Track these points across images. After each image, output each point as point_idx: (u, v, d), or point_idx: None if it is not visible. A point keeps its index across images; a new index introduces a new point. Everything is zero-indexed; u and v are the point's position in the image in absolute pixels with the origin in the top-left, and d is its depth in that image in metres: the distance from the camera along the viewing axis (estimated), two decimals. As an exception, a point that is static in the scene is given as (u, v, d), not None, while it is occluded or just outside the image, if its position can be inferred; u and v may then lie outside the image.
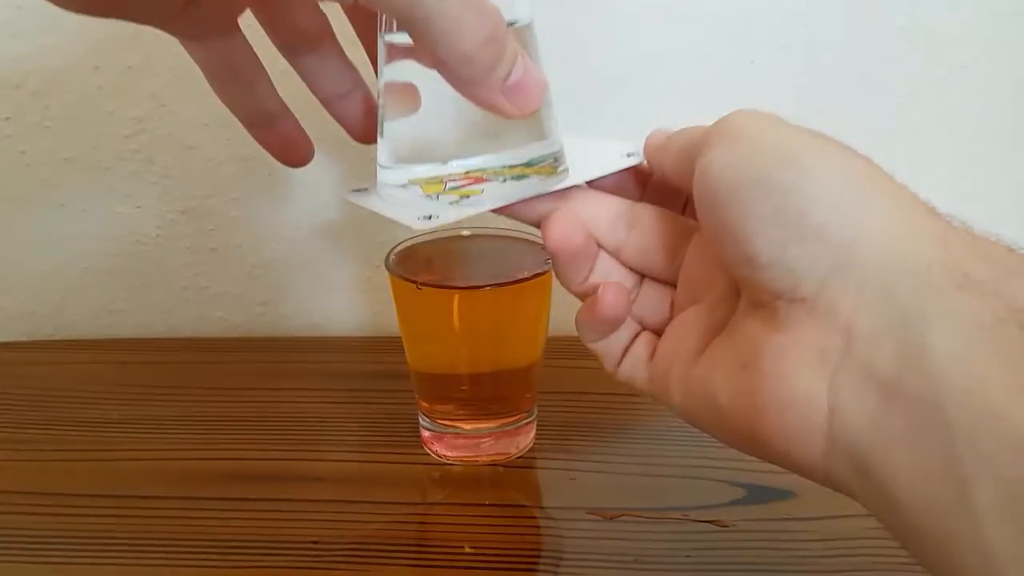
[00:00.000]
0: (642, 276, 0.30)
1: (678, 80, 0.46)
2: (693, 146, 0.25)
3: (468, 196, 0.28)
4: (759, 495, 0.33)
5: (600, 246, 0.29)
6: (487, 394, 0.36)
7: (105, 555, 0.31)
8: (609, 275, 0.29)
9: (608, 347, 0.29)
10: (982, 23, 0.45)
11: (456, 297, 0.33)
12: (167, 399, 0.42)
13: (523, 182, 0.29)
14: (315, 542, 0.32)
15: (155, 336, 0.52)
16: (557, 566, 0.30)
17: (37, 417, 0.41)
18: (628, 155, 0.31)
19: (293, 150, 0.32)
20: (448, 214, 0.28)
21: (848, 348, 0.20)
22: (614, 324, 0.29)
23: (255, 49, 0.30)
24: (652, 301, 0.29)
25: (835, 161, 0.23)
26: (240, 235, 0.50)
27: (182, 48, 0.46)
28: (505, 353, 0.35)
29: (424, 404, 0.37)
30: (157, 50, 0.44)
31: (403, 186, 0.30)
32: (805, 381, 0.21)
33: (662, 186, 0.30)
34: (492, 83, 0.24)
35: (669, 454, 0.36)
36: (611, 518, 0.33)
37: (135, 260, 0.50)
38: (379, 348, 0.48)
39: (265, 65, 0.31)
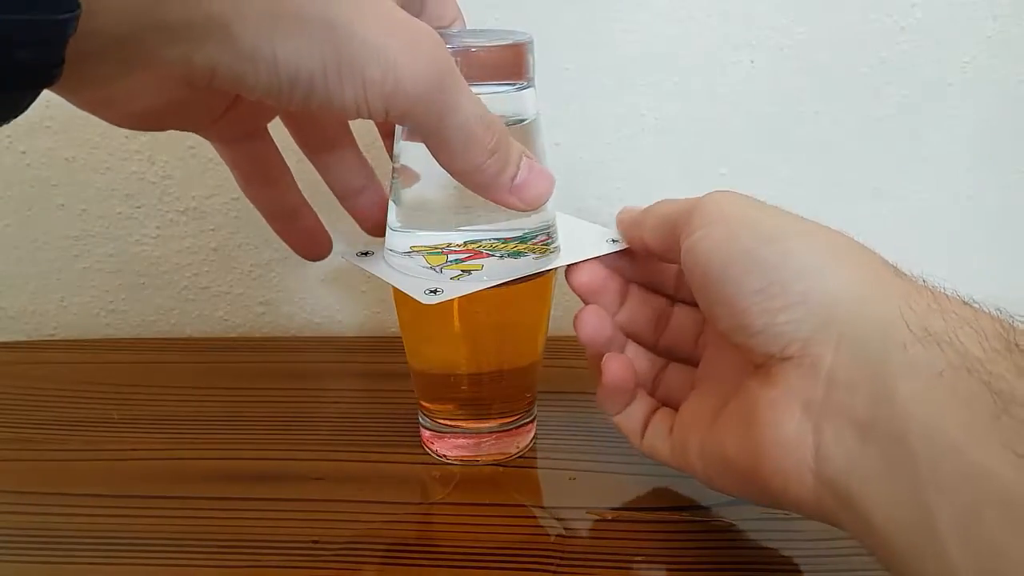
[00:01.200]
0: (668, 359, 0.34)
1: (678, 81, 0.46)
2: (673, 223, 0.29)
3: (469, 272, 0.31)
4: (759, 495, 0.33)
5: (636, 340, 0.34)
6: (487, 394, 0.36)
7: (105, 555, 0.31)
8: (636, 359, 0.34)
9: (629, 422, 0.33)
10: (982, 23, 0.45)
11: (456, 297, 0.33)
12: (167, 399, 0.42)
13: (519, 260, 0.32)
14: (315, 542, 0.32)
15: (155, 336, 0.52)
16: (557, 566, 0.30)
17: (37, 417, 0.41)
18: (612, 241, 0.34)
19: (314, 245, 0.35)
20: (451, 289, 0.31)
21: (829, 395, 0.23)
22: (621, 392, 0.33)
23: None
24: (676, 381, 0.33)
25: (812, 234, 0.26)
26: (240, 235, 0.50)
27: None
28: (505, 353, 0.35)
29: (424, 404, 0.37)
30: (157, 50, 0.44)
31: (407, 254, 0.32)
32: (794, 426, 0.24)
33: (650, 264, 0.33)
34: (501, 185, 0.27)
35: (669, 454, 0.36)
36: (611, 518, 0.33)
37: (135, 260, 0.50)
38: (379, 348, 0.48)
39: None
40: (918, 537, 0.21)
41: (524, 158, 0.28)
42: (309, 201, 0.35)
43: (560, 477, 0.36)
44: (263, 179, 0.33)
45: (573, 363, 0.43)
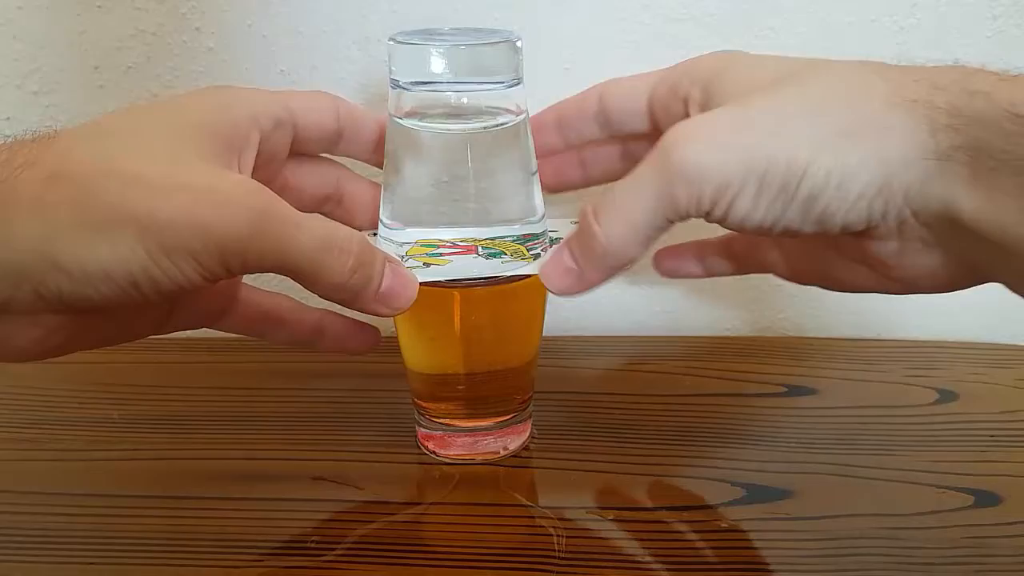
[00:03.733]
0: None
1: (678, 80, 0.46)
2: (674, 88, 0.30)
3: (428, 266, 0.31)
4: (758, 495, 0.33)
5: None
6: (484, 392, 0.36)
7: (105, 555, 0.31)
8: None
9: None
10: (982, 23, 0.45)
11: (453, 295, 0.33)
12: (167, 399, 0.42)
13: (491, 261, 0.31)
14: (315, 542, 0.32)
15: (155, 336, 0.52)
16: (557, 566, 0.30)
17: (37, 417, 0.41)
18: (573, 223, 0.33)
19: (354, 344, 0.34)
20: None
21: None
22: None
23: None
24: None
25: (800, 124, 0.25)
26: (240, 235, 0.50)
27: (182, 49, 0.46)
28: (502, 351, 0.35)
29: (420, 403, 0.37)
30: (157, 50, 0.44)
31: (399, 244, 0.31)
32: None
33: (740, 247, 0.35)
34: (367, 298, 0.27)
35: (669, 454, 0.36)
36: (611, 518, 0.33)
37: (135, 260, 0.50)
38: (379, 348, 0.48)
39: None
40: None
41: (387, 264, 0.28)
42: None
43: (559, 477, 0.36)
44: (265, 329, 0.32)
45: (571, 363, 0.44)
